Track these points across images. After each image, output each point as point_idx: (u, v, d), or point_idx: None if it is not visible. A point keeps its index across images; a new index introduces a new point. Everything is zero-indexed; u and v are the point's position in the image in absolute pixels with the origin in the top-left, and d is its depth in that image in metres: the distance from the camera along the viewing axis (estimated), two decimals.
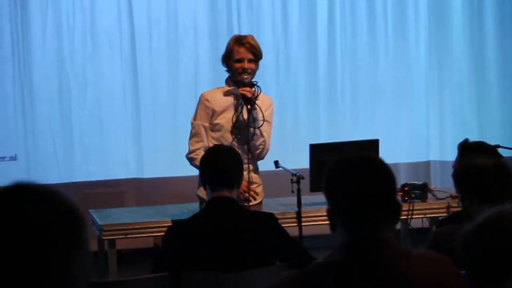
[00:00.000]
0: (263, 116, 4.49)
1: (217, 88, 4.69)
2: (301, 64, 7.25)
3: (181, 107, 6.83)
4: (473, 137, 4.43)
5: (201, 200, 4.45)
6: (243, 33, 7.02)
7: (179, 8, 6.99)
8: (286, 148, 6.84)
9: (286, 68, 7.22)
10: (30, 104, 6.75)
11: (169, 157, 6.72)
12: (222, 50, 4.70)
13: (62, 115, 6.82)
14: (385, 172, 2.14)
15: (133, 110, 6.94)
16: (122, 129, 6.92)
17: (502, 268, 1.93)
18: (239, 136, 4.47)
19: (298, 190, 4.66)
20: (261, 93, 4.58)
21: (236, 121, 4.49)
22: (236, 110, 4.50)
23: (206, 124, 4.56)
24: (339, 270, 2.06)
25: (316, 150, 5.05)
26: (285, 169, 4.82)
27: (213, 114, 4.55)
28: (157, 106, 6.99)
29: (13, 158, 6.74)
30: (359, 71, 7.35)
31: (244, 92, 4.43)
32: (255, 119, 4.47)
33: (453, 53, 7.52)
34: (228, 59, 4.54)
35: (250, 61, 4.49)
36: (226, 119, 4.52)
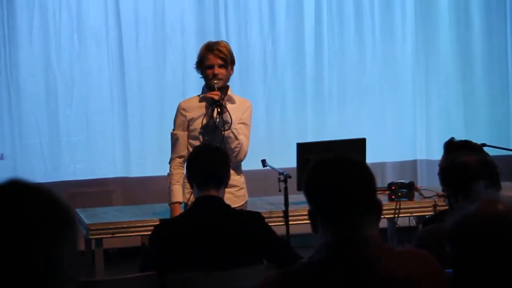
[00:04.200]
0: (231, 119, 4.51)
1: (195, 96, 4.76)
2: (288, 63, 7.26)
3: (168, 106, 6.81)
4: (459, 136, 4.44)
5: (185, 204, 4.50)
6: (230, 32, 7.09)
7: (166, 7, 6.98)
8: (273, 147, 6.85)
9: (273, 67, 7.22)
10: (16, 102, 6.73)
11: (156, 156, 6.70)
12: None
13: (49, 114, 6.80)
14: (364, 171, 2.15)
15: (120, 109, 6.93)
16: (109, 128, 6.91)
17: (487, 265, 1.94)
18: (210, 140, 4.50)
19: (285, 189, 4.67)
20: (239, 97, 4.70)
21: (206, 124, 4.54)
22: (206, 114, 4.55)
23: (183, 133, 4.62)
24: (322, 269, 2.07)
25: (303, 149, 5.06)
26: (272, 168, 4.83)
27: (190, 122, 4.61)
28: (144, 104, 6.98)
29: (0, 157, 6.72)
30: (346, 70, 7.36)
31: (212, 95, 4.52)
32: (225, 122, 4.51)
33: (439, 52, 7.55)
34: (200, 66, 4.62)
35: (220, 66, 4.57)
36: (199, 124, 4.57)
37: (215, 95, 4.52)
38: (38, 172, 6.64)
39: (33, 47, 6.74)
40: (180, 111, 4.67)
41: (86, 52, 6.84)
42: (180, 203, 4.53)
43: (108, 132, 6.91)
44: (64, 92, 6.81)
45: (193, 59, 6.77)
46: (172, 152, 4.68)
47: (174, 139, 4.67)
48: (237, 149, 4.58)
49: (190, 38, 7.01)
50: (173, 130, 4.69)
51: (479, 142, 4.53)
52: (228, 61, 4.59)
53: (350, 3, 7.35)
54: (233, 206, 3.87)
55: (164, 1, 6.97)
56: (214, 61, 4.57)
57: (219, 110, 4.52)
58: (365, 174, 2.15)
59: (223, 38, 6.65)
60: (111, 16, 6.87)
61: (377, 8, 7.41)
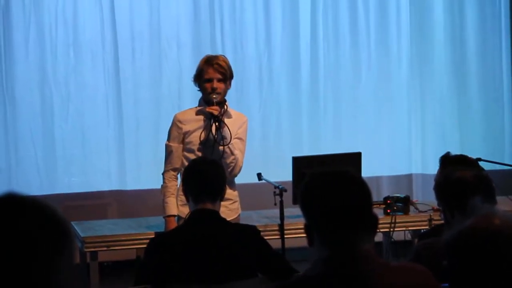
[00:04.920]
0: (231, 134, 4.52)
1: (191, 108, 4.76)
2: (284, 77, 7.28)
3: (164, 119, 6.80)
4: (455, 151, 4.45)
5: (179, 217, 4.49)
6: (226, 46, 7.11)
7: (162, 21, 6.99)
8: (269, 161, 6.85)
9: (269, 81, 7.24)
10: (12, 116, 6.72)
11: (152, 169, 6.68)
12: None
13: (45, 128, 6.80)
14: (360, 185, 2.15)
15: (116, 122, 6.93)
16: (105, 141, 6.91)
17: (484, 279, 1.95)
18: (209, 154, 4.50)
19: (281, 202, 4.68)
20: (235, 111, 4.70)
21: (204, 139, 4.54)
22: (205, 129, 4.55)
23: (178, 145, 4.62)
24: (318, 283, 2.07)
25: (299, 163, 5.07)
26: (268, 182, 4.83)
27: (185, 134, 4.61)
28: (140, 118, 6.99)
29: None
30: (341, 85, 7.38)
31: (211, 110, 4.52)
32: (223, 137, 4.52)
33: (434, 67, 7.58)
34: (199, 79, 4.63)
35: (219, 80, 4.57)
36: (196, 138, 4.58)
37: (215, 110, 4.52)
38: (33, 185, 6.63)
39: (29, 61, 6.75)
40: (176, 123, 4.68)
41: (82, 66, 6.84)
42: (175, 216, 4.53)
43: (104, 145, 6.91)
44: (60, 106, 6.81)
45: (189, 73, 6.80)
46: (166, 164, 4.68)
47: (169, 151, 4.67)
48: (232, 164, 4.59)
49: (186, 52, 7.02)
50: (168, 141, 4.68)
51: (474, 156, 4.54)
52: (227, 76, 4.61)
53: (346, 20, 7.38)
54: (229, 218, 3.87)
55: (159, 16, 6.99)
56: (213, 75, 4.57)
57: (217, 125, 4.52)
58: (361, 188, 2.16)
59: (219, 52, 6.66)
60: (107, 31, 6.88)
61: (373, 24, 7.44)
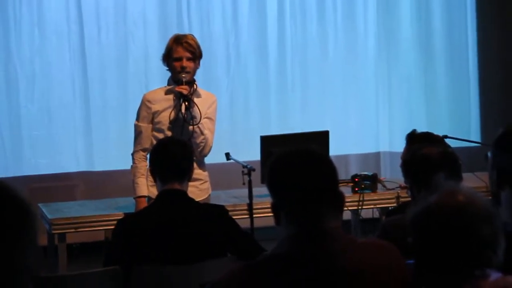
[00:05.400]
0: (200, 114, 4.50)
1: (160, 88, 4.73)
2: (251, 55, 7.26)
3: (131, 98, 6.77)
4: (421, 128, 4.48)
5: (149, 198, 4.48)
6: (193, 24, 7.07)
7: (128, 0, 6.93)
8: (237, 140, 6.85)
9: (236, 59, 7.22)
10: None
11: (120, 150, 6.65)
12: None
13: (10, 108, 6.73)
14: (326, 163, 2.17)
15: (83, 103, 6.87)
16: (72, 121, 6.86)
17: (448, 256, 1.96)
18: (178, 134, 4.48)
19: (249, 182, 4.69)
20: (204, 91, 4.67)
21: (174, 118, 4.52)
22: (174, 108, 4.53)
23: (147, 125, 4.59)
24: (285, 261, 2.08)
25: (267, 142, 5.07)
26: (236, 161, 4.83)
27: (154, 114, 4.58)
28: (106, 98, 6.94)
29: None
30: (309, 63, 7.38)
31: (181, 90, 4.50)
32: (193, 117, 4.50)
33: (401, 45, 7.60)
34: (167, 58, 4.60)
35: (188, 59, 4.54)
36: (165, 118, 4.56)
37: (184, 89, 4.50)
38: None
39: None
40: (145, 103, 4.64)
41: (47, 46, 6.77)
42: (145, 196, 4.52)
43: (70, 126, 6.85)
44: (25, 86, 6.74)
45: (156, 52, 6.78)
46: (135, 145, 4.65)
47: (138, 131, 4.64)
48: (202, 144, 4.58)
49: (152, 31, 6.98)
50: (137, 121, 4.65)
51: (440, 134, 4.58)
52: (197, 55, 4.58)
53: None
54: (196, 199, 3.87)
55: None
56: (183, 53, 4.54)
57: (187, 104, 4.50)
58: (327, 166, 2.16)
59: (185, 31, 6.63)
60: (72, 9, 6.80)
61: (339, 2, 7.43)
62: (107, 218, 4.83)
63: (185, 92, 4.49)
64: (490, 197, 2.65)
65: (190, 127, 4.51)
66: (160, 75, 6.29)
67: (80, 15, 6.82)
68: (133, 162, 4.62)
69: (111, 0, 6.91)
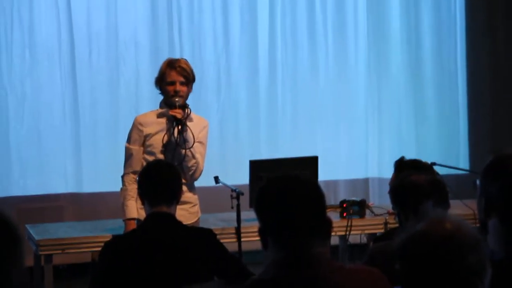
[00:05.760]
0: (194, 138, 4.52)
1: (151, 111, 4.73)
2: (242, 80, 7.28)
3: (121, 121, 6.78)
4: (411, 155, 4.50)
5: (138, 220, 4.47)
6: (184, 48, 7.09)
7: (119, 22, 6.95)
8: (227, 164, 6.84)
9: (227, 84, 7.24)
10: None
11: (109, 172, 6.65)
12: None
13: None
14: (314, 190, 2.18)
15: (73, 124, 6.86)
16: (61, 143, 6.84)
17: (434, 283, 1.97)
18: (170, 157, 4.49)
19: (238, 206, 4.68)
20: (196, 115, 4.69)
21: (167, 142, 4.53)
22: (168, 131, 4.54)
23: (138, 148, 4.60)
24: (271, 286, 2.08)
25: (256, 166, 5.08)
26: (225, 185, 4.83)
27: (146, 137, 4.59)
28: (97, 120, 6.93)
29: None
30: (299, 89, 7.41)
31: (174, 114, 4.51)
32: (185, 140, 4.51)
33: (391, 71, 7.64)
34: (161, 82, 4.62)
35: (181, 83, 4.57)
36: (157, 141, 4.57)
37: (178, 113, 4.51)
38: None
39: None
40: (136, 125, 4.64)
41: (38, 68, 6.77)
42: (134, 219, 4.50)
43: (60, 148, 6.84)
44: (15, 107, 6.73)
45: (147, 75, 6.81)
46: (125, 167, 4.64)
47: (129, 154, 4.63)
48: (193, 168, 4.58)
49: (144, 54, 6.99)
50: (128, 144, 4.64)
51: (429, 160, 4.59)
52: (190, 79, 4.60)
53: (304, 22, 7.41)
54: (186, 222, 3.86)
55: (117, 17, 6.94)
56: (176, 77, 4.56)
57: (180, 128, 4.51)
58: (314, 192, 2.17)
59: (176, 54, 6.65)
60: (64, 32, 6.81)
61: (330, 28, 7.48)
62: (94, 240, 4.82)
63: (179, 116, 4.50)
64: (477, 225, 2.65)
65: (182, 151, 4.52)
66: (150, 98, 6.31)
67: (71, 38, 6.82)
68: (123, 185, 4.61)
69: (103, 23, 6.92)
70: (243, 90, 7.29)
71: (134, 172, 4.57)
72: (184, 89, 4.57)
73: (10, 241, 1.38)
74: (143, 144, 4.61)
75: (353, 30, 7.54)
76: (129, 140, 4.65)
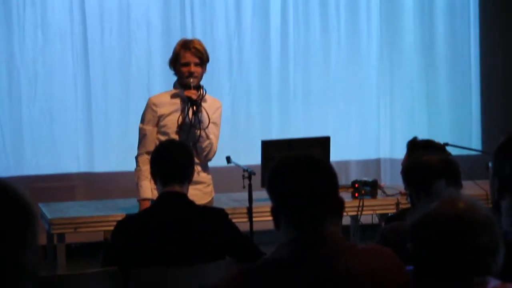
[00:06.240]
0: (209, 118, 4.52)
1: (165, 91, 4.73)
2: (254, 60, 7.27)
3: (133, 100, 6.80)
4: (422, 135, 4.48)
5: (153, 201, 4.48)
6: (196, 28, 7.08)
7: (131, 2, 6.95)
8: (238, 144, 6.85)
9: (239, 64, 7.23)
10: None
11: (121, 151, 6.68)
12: (174, 45, 4.70)
13: (12, 109, 6.74)
14: (326, 169, 2.17)
15: (84, 104, 6.88)
16: (73, 122, 6.87)
17: (447, 263, 1.97)
18: (185, 138, 4.49)
19: (250, 185, 4.69)
20: (210, 96, 4.67)
21: (182, 123, 4.53)
22: (182, 112, 4.54)
23: (152, 128, 4.60)
24: (284, 266, 2.09)
25: (268, 147, 5.08)
26: (237, 165, 4.84)
27: (160, 118, 4.59)
28: (108, 99, 6.95)
29: None
30: (311, 69, 7.39)
31: (189, 94, 4.50)
32: (200, 121, 4.51)
33: (404, 52, 7.62)
34: (175, 63, 4.61)
35: (196, 64, 4.55)
36: (172, 122, 4.57)
37: (193, 94, 4.51)
38: (0, 166, 6.58)
39: None
40: (150, 106, 4.64)
41: (50, 47, 6.79)
42: (149, 199, 4.51)
43: (72, 127, 6.86)
44: (28, 87, 6.75)
45: (158, 54, 6.82)
46: (139, 147, 4.64)
47: (143, 134, 4.63)
48: (207, 148, 4.59)
49: (156, 34, 6.99)
50: (142, 124, 4.64)
51: (441, 141, 4.58)
52: (204, 60, 4.59)
53: (316, 2, 7.38)
54: (200, 202, 3.87)
55: None
56: (191, 59, 4.55)
57: (194, 109, 4.51)
58: (327, 172, 2.17)
59: (188, 34, 6.65)
60: (76, 11, 6.82)
61: (343, 8, 7.45)
62: (106, 219, 4.84)
63: (194, 96, 4.50)
64: (490, 206, 2.65)
65: (197, 131, 4.52)
66: (162, 78, 6.32)
67: (83, 17, 6.83)
68: (137, 165, 4.62)
69: (115, 2, 6.92)
70: (254, 70, 7.28)
71: (148, 153, 4.56)
72: (198, 70, 4.56)
73: (25, 217, 1.39)
74: (157, 125, 4.61)
75: (365, 11, 7.50)
76: (143, 121, 4.65)
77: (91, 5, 6.85)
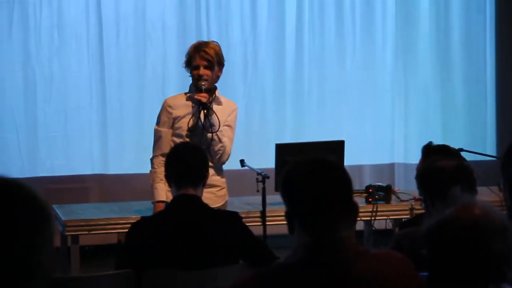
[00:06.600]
0: (219, 122, 4.52)
1: (181, 93, 4.73)
2: (269, 63, 7.27)
3: (147, 102, 6.81)
4: (437, 141, 4.47)
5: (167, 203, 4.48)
6: (212, 31, 7.08)
7: (147, 4, 6.96)
8: (252, 147, 6.85)
9: (253, 67, 7.23)
10: None
11: (135, 154, 6.70)
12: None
13: (27, 109, 6.76)
14: (340, 173, 2.17)
15: (99, 105, 6.90)
16: (88, 124, 6.89)
17: (462, 269, 1.96)
18: (197, 141, 4.49)
19: (263, 189, 4.68)
20: (225, 98, 4.68)
21: (192, 126, 4.53)
22: (193, 115, 4.54)
23: (167, 130, 4.60)
24: (297, 270, 2.08)
25: (282, 150, 5.06)
26: (251, 168, 4.83)
27: (175, 120, 4.60)
28: (123, 101, 6.96)
29: None
30: (326, 72, 7.38)
31: (200, 98, 4.51)
32: (211, 124, 4.51)
33: (419, 56, 7.59)
34: (189, 65, 4.61)
35: (205, 67, 4.57)
36: (185, 124, 4.57)
37: (203, 97, 4.51)
38: (15, 167, 6.60)
39: (12, 42, 6.71)
40: (166, 108, 4.65)
41: (66, 48, 6.81)
42: (163, 201, 4.51)
43: (86, 129, 6.88)
44: (43, 88, 6.78)
45: (174, 56, 6.83)
46: (155, 149, 4.65)
47: (158, 136, 4.64)
48: (220, 152, 4.59)
49: (171, 36, 7.00)
50: (158, 126, 4.65)
51: (456, 147, 4.56)
52: (214, 63, 4.58)
53: (331, 6, 7.38)
54: (213, 206, 3.87)
55: None
56: (199, 62, 4.56)
57: (205, 112, 4.51)
58: (341, 176, 2.17)
59: (204, 36, 6.66)
60: (92, 13, 6.84)
61: (358, 11, 7.44)
62: (121, 221, 4.84)
63: (204, 100, 4.51)
64: (505, 212, 2.64)
65: (209, 135, 4.53)
66: (177, 80, 6.33)
67: (99, 19, 6.85)
68: (152, 167, 4.62)
69: (131, 4, 6.94)
70: (269, 73, 7.28)
71: (163, 155, 4.56)
72: (208, 72, 4.57)
73: (41, 217, 1.39)
74: (172, 127, 4.61)
75: (381, 14, 7.49)
76: (158, 122, 4.66)
77: (107, 7, 6.87)
